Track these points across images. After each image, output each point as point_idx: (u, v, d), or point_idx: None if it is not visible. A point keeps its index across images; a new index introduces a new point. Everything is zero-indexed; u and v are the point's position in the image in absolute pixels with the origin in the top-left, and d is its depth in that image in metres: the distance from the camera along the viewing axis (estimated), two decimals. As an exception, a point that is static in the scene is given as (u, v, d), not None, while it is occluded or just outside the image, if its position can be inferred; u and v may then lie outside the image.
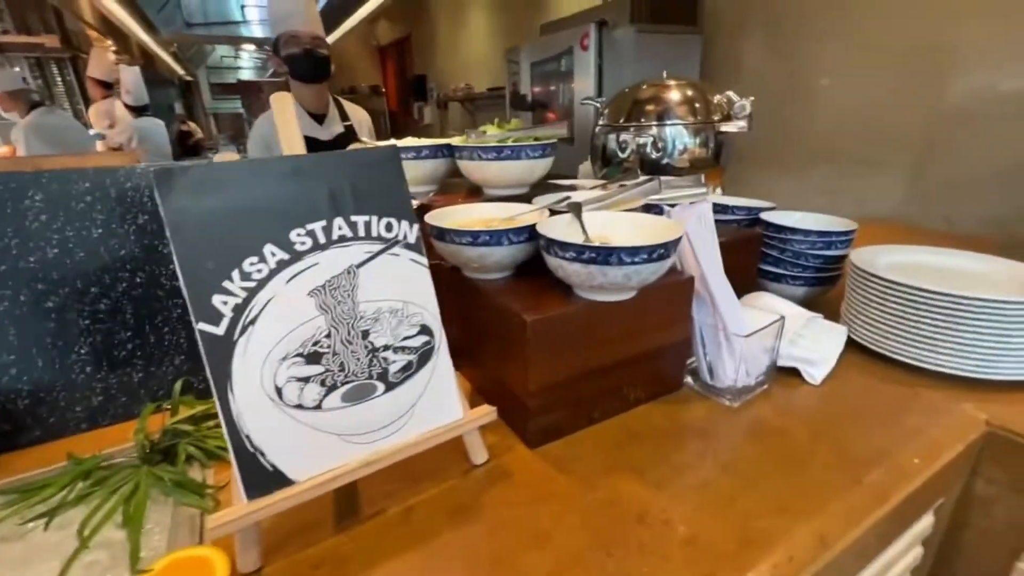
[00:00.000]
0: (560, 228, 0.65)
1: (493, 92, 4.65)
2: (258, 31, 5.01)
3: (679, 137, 1.41)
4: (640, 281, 0.59)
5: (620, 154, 1.44)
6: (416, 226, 0.56)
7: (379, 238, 0.53)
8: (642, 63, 2.65)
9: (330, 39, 5.77)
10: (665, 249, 0.56)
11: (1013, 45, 2.12)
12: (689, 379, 0.76)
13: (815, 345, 0.80)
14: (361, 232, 0.53)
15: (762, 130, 3.15)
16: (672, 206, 0.76)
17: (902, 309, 0.77)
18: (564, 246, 0.57)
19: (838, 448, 0.62)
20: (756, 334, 0.69)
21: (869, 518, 0.53)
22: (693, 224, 0.68)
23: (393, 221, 0.54)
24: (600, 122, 1.51)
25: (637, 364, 0.69)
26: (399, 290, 0.54)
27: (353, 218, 0.52)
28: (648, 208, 0.78)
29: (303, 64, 1.94)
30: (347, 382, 0.51)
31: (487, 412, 0.58)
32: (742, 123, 1.36)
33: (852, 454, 0.61)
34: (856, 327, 0.84)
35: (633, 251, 0.54)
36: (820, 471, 0.59)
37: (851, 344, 0.84)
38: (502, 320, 0.62)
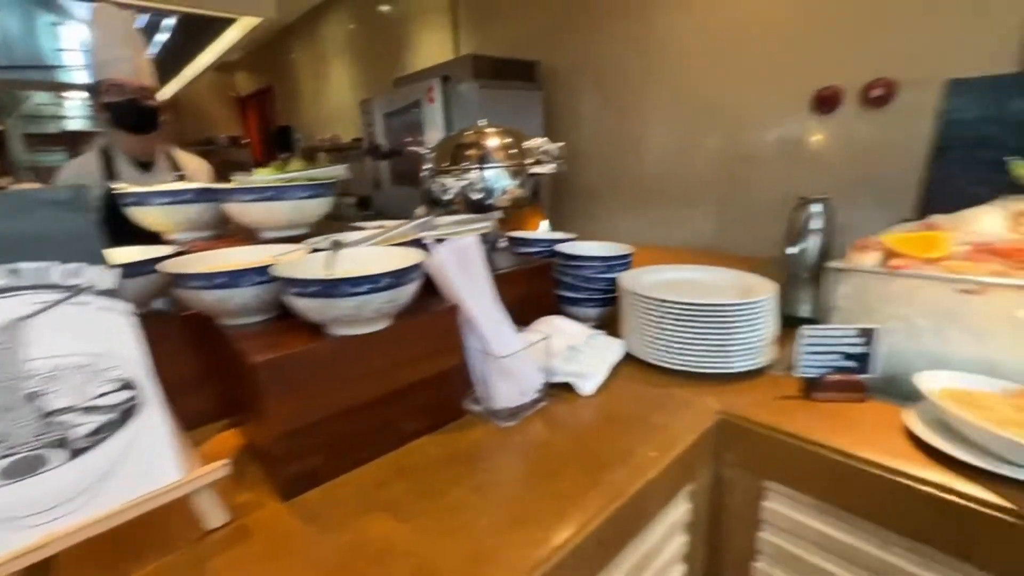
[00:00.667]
0: (308, 267, 0.64)
1: (358, 142, 4.64)
2: (83, 77, 4.51)
3: (498, 179, 1.51)
4: (377, 311, 0.59)
5: (443, 196, 1.49)
6: (112, 272, 0.51)
7: (57, 286, 0.48)
8: (488, 115, 2.82)
9: (173, 88, 5.39)
10: (395, 278, 0.58)
11: (770, 105, 2.62)
12: (473, 404, 0.78)
13: (591, 360, 0.86)
14: (30, 280, 0.47)
15: (605, 174, 3.51)
16: (441, 240, 0.79)
17: (655, 319, 0.86)
18: (290, 282, 0.56)
19: (590, 454, 0.67)
20: (519, 353, 0.73)
21: (603, 514, 0.57)
22: (449, 256, 0.71)
23: (80, 267, 0.49)
24: (425, 167, 1.56)
25: (408, 396, 0.69)
26: (87, 343, 0.49)
27: (19, 265, 0.46)
28: (418, 244, 0.81)
29: (127, 114, 1.78)
30: (7, 455, 0.44)
31: (213, 469, 0.53)
32: (552, 165, 1.50)
33: (601, 457, 0.66)
34: (628, 339, 0.93)
35: (356, 282, 0.55)
36: (568, 479, 0.62)
37: (629, 354, 0.93)
38: (238, 364, 0.58)
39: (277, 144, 6.36)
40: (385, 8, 4.49)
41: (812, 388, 0.78)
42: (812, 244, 1.10)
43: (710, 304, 0.81)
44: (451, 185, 1.51)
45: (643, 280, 0.99)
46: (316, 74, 5.69)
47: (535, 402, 0.78)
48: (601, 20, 3.06)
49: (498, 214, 1.12)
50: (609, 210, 3.50)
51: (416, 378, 0.69)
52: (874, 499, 0.63)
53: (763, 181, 2.65)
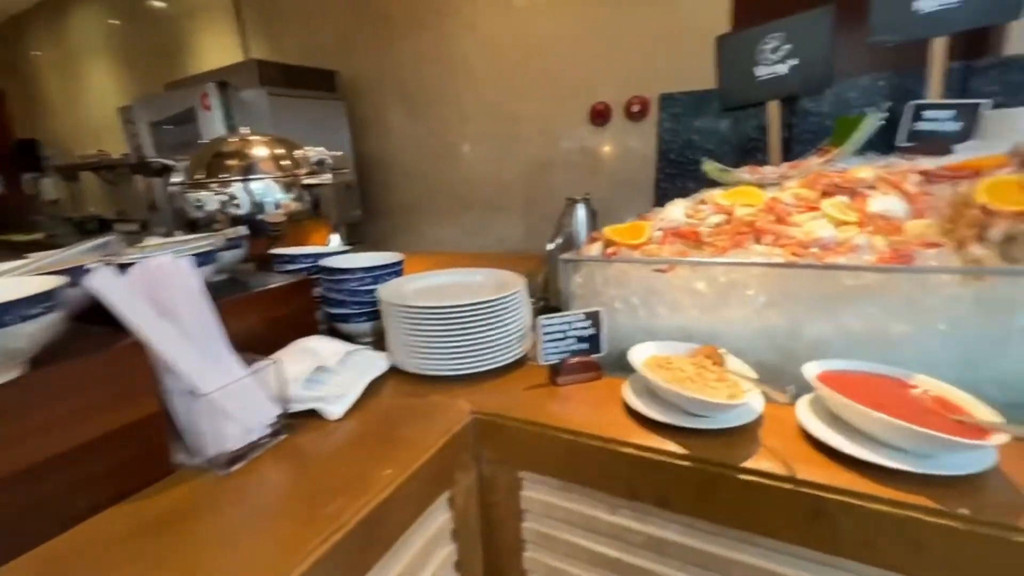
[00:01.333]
0: None
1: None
2: None
3: (268, 192, 1.37)
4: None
5: (197, 213, 1.30)
6: None
7: None
8: (283, 125, 2.60)
9: None
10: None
11: (558, 117, 2.87)
12: (184, 456, 0.65)
13: (344, 380, 0.80)
14: None
15: (422, 185, 3.50)
16: (128, 264, 0.65)
17: (410, 327, 0.84)
18: None
19: (317, 487, 0.60)
20: (237, 386, 0.63)
21: (317, 552, 0.50)
22: (119, 282, 0.59)
23: None
24: (173, 180, 1.35)
25: (79, 461, 0.55)
26: None
27: None
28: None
29: None
30: None
31: None
32: (328, 176, 1.41)
33: (329, 488, 0.60)
34: (392, 351, 0.89)
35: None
36: (286, 521, 0.55)
37: (396, 367, 0.89)
38: None
39: (19, 162, 5.07)
40: (157, 3, 3.88)
41: (555, 374, 0.82)
42: (575, 238, 1.20)
43: (458, 305, 0.81)
44: (207, 200, 1.33)
45: (404, 289, 0.96)
46: (65, 75, 4.68)
47: (266, 439, 0.69)
48: (397, 34, 3.05)
49: (243, 230, 0.99)
50: (429, 222, 3.49)
51: (87, 437, 0.55)
52: (597, 468, 0.68)
53: (560, 185, 2.89)
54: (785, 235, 0.74)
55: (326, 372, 0.80)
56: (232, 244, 0.95)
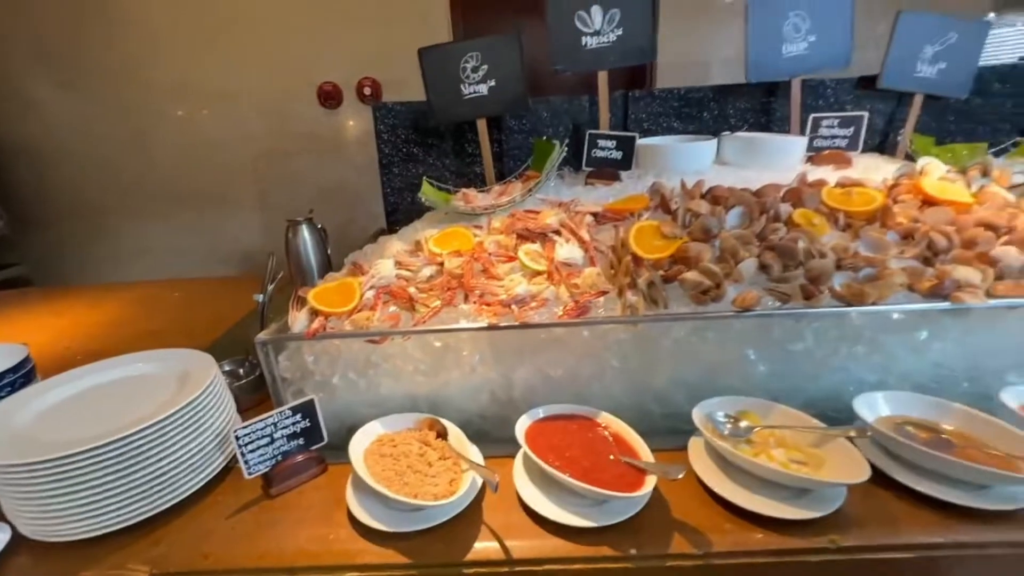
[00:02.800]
0: None
1: None
2: None
3: None
4: None
5: None
6: None
7: None
8: None
9: None
10: None
11: (281, 96, 2.49)
12: None
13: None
14: None
15: (105, 179, 2.67)
16: None
17: (34, 484, 0.59)
18: None
19: None
20: None
21: None
22: None
23: None
24: None
25: None
26: None
27: None
28: None
29: None
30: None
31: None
32: None
33: None
34: (12, 517, 0.63)
35: None
36: None
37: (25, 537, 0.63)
38: None
39: None
40: None
41: (268, 484, 0.70)
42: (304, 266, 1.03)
43: (104, 445, 0.60)
44: None
45: (16, 419, 0.68)
46: None
47: None
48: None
49: None
50: (126, 226, 2.74)
51: None
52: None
53: (299, 173, 2.56)
54: (490, 291, 0.75)
55: None
56: None
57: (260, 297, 0.99)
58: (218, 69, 2.44)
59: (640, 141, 1.15)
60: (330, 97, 2.56)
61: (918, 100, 1.27)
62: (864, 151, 1.34)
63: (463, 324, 0.73)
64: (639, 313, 0.73)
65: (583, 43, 1.15)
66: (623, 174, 1.12)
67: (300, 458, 0.72)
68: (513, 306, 0.73)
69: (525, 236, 0.84)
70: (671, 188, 0.93)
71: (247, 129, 2.57)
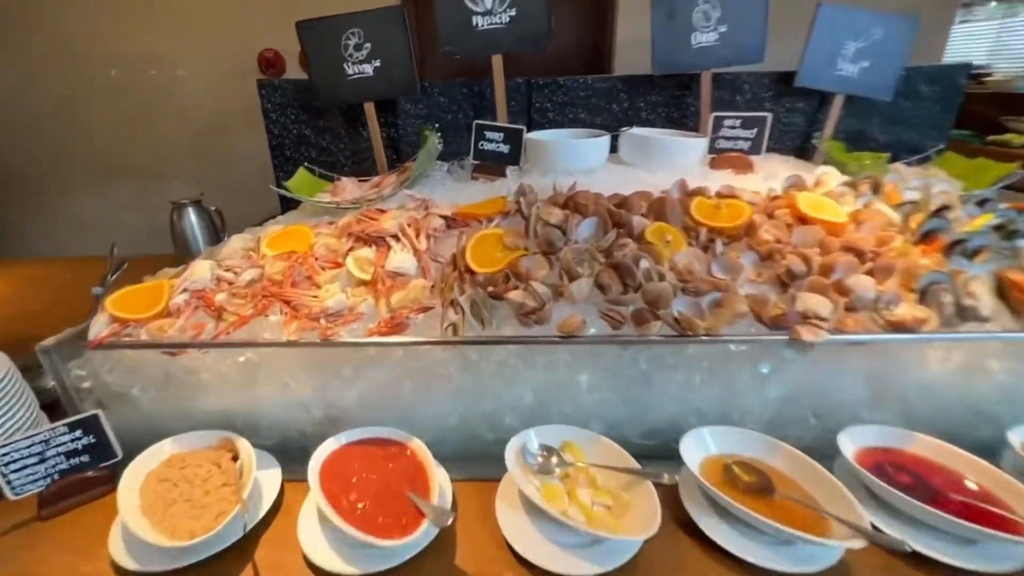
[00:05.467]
0: None
1: None
2: None
3: None
4: None
5: None
6: None
7: None
8: None
9: None
10: None
11: (219, 64, 2.36)
12: None
13: None
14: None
15: (34, 150, 2.55)
16: None
17: None
18: None
19: None
20: None
21: None
22: None
23: None
24: None
25: None
26: None
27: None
28: None
29: None
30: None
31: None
32: None
33: None
34: None
35: None
36: None
37: None
38: None
39: None
40: None
41: (41, 504, 0.64)
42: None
43: None
44: None
45: None
46: None
47: None
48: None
49: None
50: (58, 196, 2.64)
51: None
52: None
53: (242, 149, 2.44)
54: (303, 304, 0.69)
55: None
56: None
57: (98, 291, 0.92)
58: (153, 33, 2.30)
59: (528, 135, 1.07)
60: (271, 65, 2.43)
61: (838, 101, 1.19)
62: (785, 154, 1.26)
63: (266, 338, 0.67)
64: (459, 333, 0.67)
65: (474, 23, 1.05)
66: (510, 170, 1.04)
67: (86, 475, 0.66)
68: (322, 320, 0.67)
69: (363, 240, 0.77)
70: (539, 191, 0.86)
71: (185, 100, 2.44)
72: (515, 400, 0.71)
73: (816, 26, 1.12)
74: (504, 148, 1.06)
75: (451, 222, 0.81)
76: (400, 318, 0.67)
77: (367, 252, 0.75)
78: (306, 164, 1.06)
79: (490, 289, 0.69)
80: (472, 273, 0.71)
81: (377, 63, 1.09)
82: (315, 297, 0.69)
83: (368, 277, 0.72)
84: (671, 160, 1.06)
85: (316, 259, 0.75)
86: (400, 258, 0.72)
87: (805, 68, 1.17)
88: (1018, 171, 1.01)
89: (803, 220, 0.79)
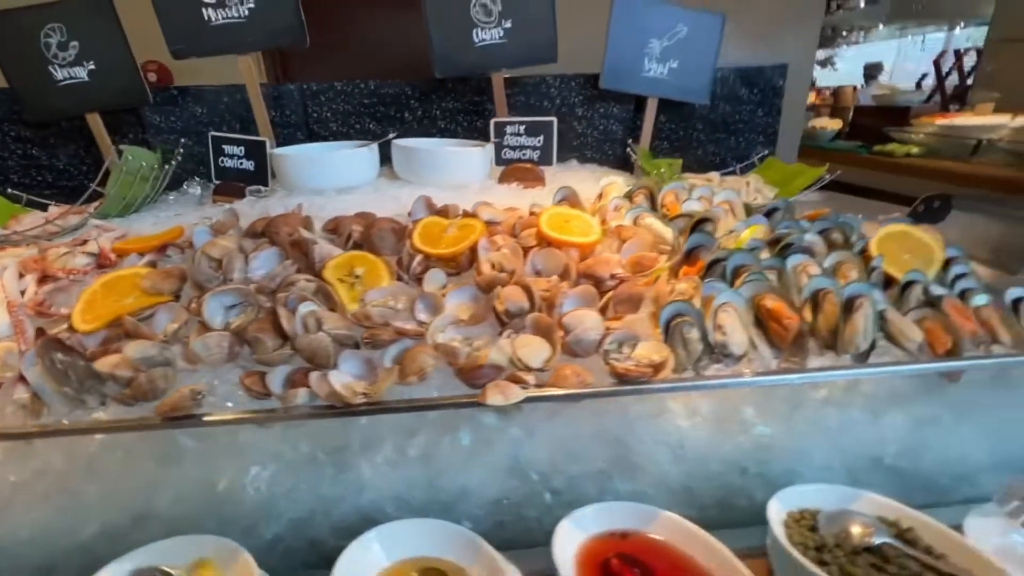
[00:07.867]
0: None
1: None
2: None
3: None
4: None
5: None
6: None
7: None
8: None
9: None
10: None
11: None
12: None
13: None
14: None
15: None
16: None
17: None
18: None
19: None
20: None
21: None
22: None
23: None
24: None
25: None
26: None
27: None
28: None
29: None
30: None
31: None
32: None
33: None
34: None
35: None
36: None
37: None
38: None
39: None
40: None
41: None
42: None
43: None
44: None
45: None
46: None
47: None
48: None
49: None
50: None
51: None
52: None
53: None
54: None
55: None
56: None
57: None
58: None
59: (273, 151, 0.89)
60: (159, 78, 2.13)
61: (652, 104, 1.09)
62: (605, 164, 1.15)
63: None
64: (37, 416, 0.47)
65: (204, 17, 0.87)
66: (251, 190, 0.86)
67: None
68: None
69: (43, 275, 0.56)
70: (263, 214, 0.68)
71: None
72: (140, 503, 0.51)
73: (613, 19, 1.00)
74: (248, 164, 0.88)
75: (103, 260, 0.61)
76: None
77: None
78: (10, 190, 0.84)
79: (88, 352, 0.50)
80: (73, 331, 0.52)
81: (91, 65, 0.89)
82: None
83: None
84: (447, 174, 0.91)
85: None
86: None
87: (608, 68, 1.04)
88: (826, 175, 0.93)
89: (550, 242, 0.64)
